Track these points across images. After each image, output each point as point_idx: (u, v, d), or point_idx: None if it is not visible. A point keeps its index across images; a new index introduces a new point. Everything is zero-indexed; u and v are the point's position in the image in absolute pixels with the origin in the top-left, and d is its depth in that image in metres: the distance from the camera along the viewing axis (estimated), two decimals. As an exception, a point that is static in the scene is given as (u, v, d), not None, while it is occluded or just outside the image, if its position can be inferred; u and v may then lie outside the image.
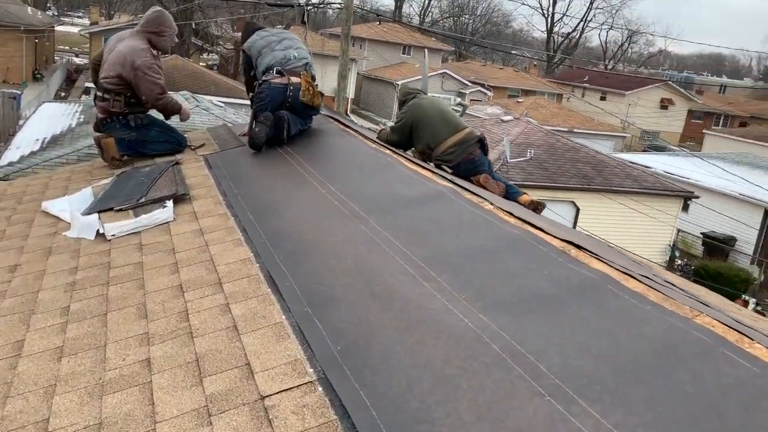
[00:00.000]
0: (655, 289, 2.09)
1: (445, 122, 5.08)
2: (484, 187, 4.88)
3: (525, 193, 5.25)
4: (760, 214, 18.86)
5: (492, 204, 2.96)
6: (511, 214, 2.82)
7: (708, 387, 1.61)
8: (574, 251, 2.42)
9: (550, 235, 2.57)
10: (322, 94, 4.80)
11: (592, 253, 2.38)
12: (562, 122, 30.14)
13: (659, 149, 34.12)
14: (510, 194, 5.16)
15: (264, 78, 4.62)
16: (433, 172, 3.60)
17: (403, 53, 45.36)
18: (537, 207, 5.09)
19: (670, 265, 17.75)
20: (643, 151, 35.23)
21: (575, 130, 28.77)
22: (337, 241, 2.86)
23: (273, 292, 2.52)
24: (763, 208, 18.74)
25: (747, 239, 18.97)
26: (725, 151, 28.61)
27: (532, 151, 14.78)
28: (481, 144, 5.11)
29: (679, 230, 17.95)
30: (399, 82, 37.56)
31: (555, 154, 16.50)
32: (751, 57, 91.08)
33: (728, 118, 50.03)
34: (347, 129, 4.84)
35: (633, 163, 19.82)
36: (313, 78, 4.77)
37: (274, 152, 4.46)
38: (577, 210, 15.74)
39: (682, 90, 49.19)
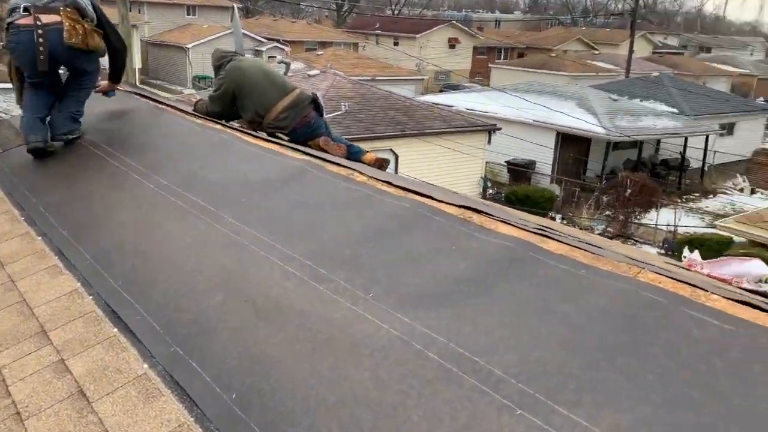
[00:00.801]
0: (579, 248, 1.88)
1: (272, 84, 4.55)
2: (325, 151, 4.50)
3: (368, 152, 4.95)
4: (553, 137, 20.63)
5: (364, 174, 2.59)
6: (390, 183, 2.46)
7: (689, 358, 1.41)
8: (476, 217, 2.13)
9: (443, 202, 2.26)
10: (102, 34, 3.81)
11: (496, 216, 2.12)
12: (364, 71, 30.34)
13: (454, 87, 35.86)
14: (352, 154, 4.83)
15: (9, 20, 3.56)
16: (281, 144, 3.12)
17: (188, 14, 42.51)
18: (382, 164, 4.82)
19: (483, 196, 18.85)
20: (440, 91, 36.83)
21: (377, 78, 29.13)
22: (189, 247, 2.32)
23: (122, 332, 1.95)
24: (555, 131, 20.50)
25: (545, 161, 20.69)
26: (510, 81, 30.74)
27: (346, 104, 14.57)
28: (315, 104, 4.68)
29: (487, 162, 19.03)
30: (189, 45, 35.26)
31: (367, 104, 16.47)
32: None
33: (508, 51, 54.01)
34: (161, 105, 4.14)
35: (437, 104, 20.52)
36: (85, 15, 3.68)
37: (76, 145, 3.66)
38: (396, 157, 15.94)
39: (466, 28, 52.00)
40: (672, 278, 1.66)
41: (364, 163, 4.70)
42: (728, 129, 25.25)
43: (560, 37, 53.15)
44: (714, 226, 17.21)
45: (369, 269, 1.97)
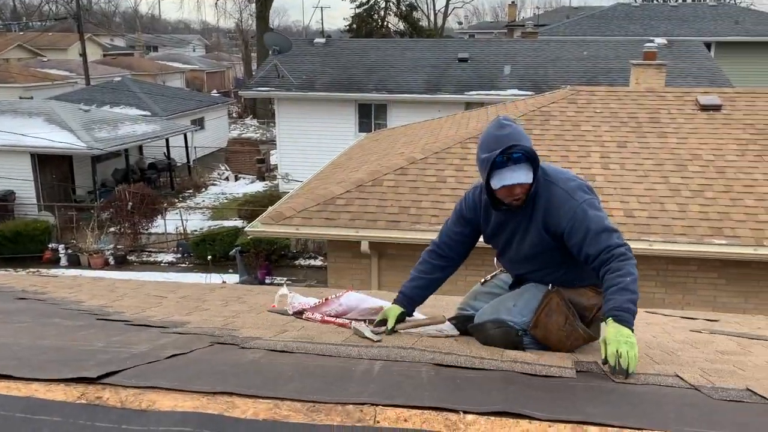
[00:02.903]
0: (286, 399, 1.41)
1: None
2: None
3: None
4: (28, 160, 18.15)
5: None
6: None
7: None
8: (109, 394, 1.41)
9: (37, 380, 1.44)
10: None
11: (145, 382, 1.45)
12: None
13: None
14: None
15: None
16: None
17: None
18: None
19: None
20: None
21: None
22: None
23: None
24: (29, 154, 18.07)
25: (26, 189, 18.14)
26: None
27: None
28: None
29: (-49, 204, 15.59)
30: None
31: None
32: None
33: (-67, 64, 45.17)
34: None
35: None
36: None
37: None
38: None
39: None
40: (416, 407, 1.37)
41: None
42: (200, 123, 26.89)
43: (-3, 44, 47.19)
44: (224, 218, 18.20)
45: None
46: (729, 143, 8.25)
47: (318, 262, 15.26)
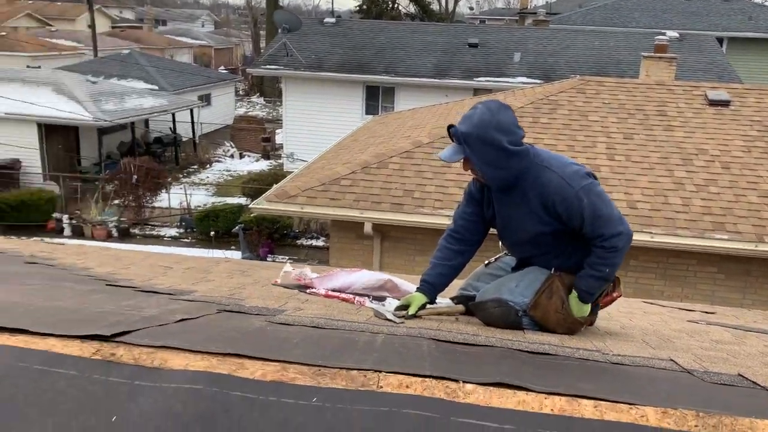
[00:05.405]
0: (294, 363, 1.46)
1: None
2: None
3: None
4: (35, 130, 18.19)
5: None
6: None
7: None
8: (123, 352, 1.47)
9: (52, 335, 1.50)
10: None
11: (155, 341, 1.50)
12: None
13: None
14: None
15: None
16: None
17: None
18: None
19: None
20: None
21: None
22: None
23: None
24: (35, 123, 18.10)
25: (32, 158, 18.19)
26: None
27: None
28: None
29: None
30: None
31: None
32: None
33: (-59, 30, 45.03)
34: None
35: None
36: None
37: None
38: None
39: None
40: (418, 375, 1.42)
41: None
42: (206, 99, 26.88)
43: (6, 12, 47.01)
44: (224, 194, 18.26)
45: None
46: (735, 139, 8.26)
47: (320, 243, 15.33)
